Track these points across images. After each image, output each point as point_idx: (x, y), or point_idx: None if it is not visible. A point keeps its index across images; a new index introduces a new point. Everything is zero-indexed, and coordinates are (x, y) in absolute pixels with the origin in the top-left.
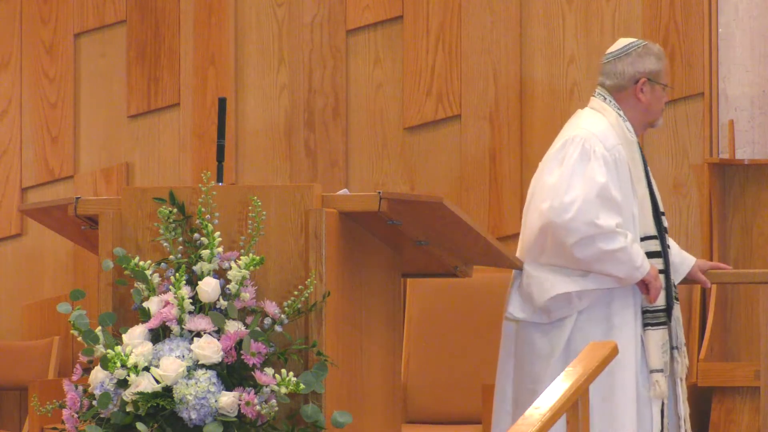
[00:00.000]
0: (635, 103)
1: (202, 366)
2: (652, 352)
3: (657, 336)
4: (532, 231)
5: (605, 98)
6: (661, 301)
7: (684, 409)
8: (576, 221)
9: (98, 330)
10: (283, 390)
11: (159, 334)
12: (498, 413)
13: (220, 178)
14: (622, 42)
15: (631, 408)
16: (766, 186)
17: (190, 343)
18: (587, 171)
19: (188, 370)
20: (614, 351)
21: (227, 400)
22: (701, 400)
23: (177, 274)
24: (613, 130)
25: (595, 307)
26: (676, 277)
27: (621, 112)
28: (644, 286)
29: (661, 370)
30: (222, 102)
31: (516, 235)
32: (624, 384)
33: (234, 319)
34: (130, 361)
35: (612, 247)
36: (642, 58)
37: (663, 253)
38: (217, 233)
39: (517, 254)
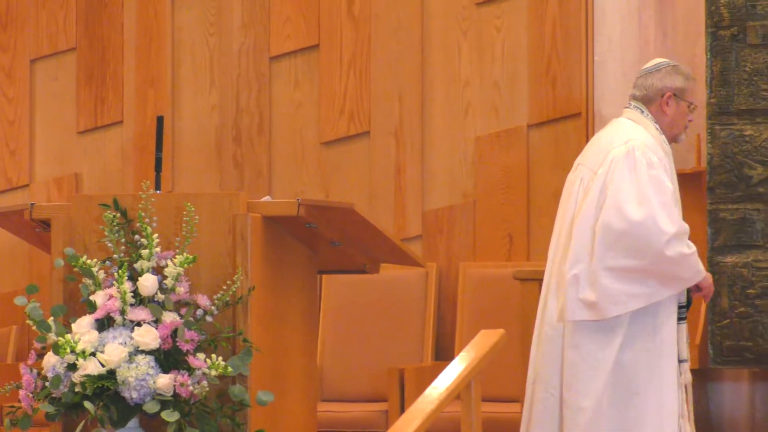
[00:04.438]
0: (662, 117)
1: (142, 352)
2: (682, 343)
3: (683, 329)
4: (607, 232)
5: (642, 111)
6: (683, 298)
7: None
8: (666, 223)
9: (50, 320)
10: (213, 373)
11: (104, 324)
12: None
13: (158, 187)
14: (655, 60)
15: (675, 393)
16: None
17: (132, 332)
18: (658, 177)
19: (130, 356)
20: (503, 338)
21: (164, 381)
22: None
23: (120, 271)
24: (656, 143)
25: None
26: None
27: (657, 126)
28: (697, 288)
29: (687, 360)
30: (160, 119)
31: (417, 237)
32: (671, 372)
33: (170, 311)
34: (79, 348)
35: (688, 250)
36: (671, 75)
37: None
38: (156, 235)
39: (571, 257)
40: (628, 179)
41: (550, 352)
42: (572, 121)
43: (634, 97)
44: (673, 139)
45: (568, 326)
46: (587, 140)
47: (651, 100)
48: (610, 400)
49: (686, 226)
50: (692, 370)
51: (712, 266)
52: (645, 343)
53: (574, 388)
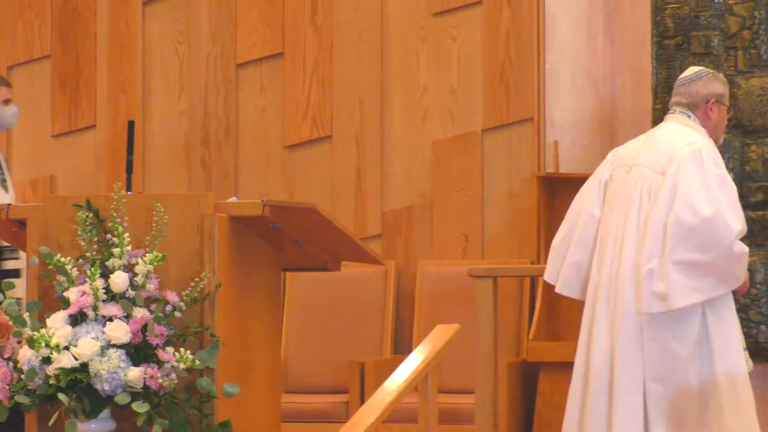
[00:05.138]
0: (707, 121)
1: (114, 345)
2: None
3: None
4: (678, 227)
5: (689, 116)
6: None
7: None
8: (733, 220)
9: (26, 315)
10: (182, 366)
11: (77, 319)
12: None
13: (129, 188)
14: (693, 69)
15: (747, 380)
16: None
17: (104, 327)
18: (724, 176)
19: (102, 349)
20: (458, 332)
21: (134, 374)
22: (531, 373)
23: (92, 269)
24: (712, 144)
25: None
26: None
27: (705, 130)
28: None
29: (746, 348)
30: (131, 124)
31: (377, 236)
32: (742, 359)
33: (140, 306)
34: (53, 342)
35: (745, 249)
36: (712, 82)
37: None
38: (127, 234)
39: (646, 253)
40: (696, 177)
41: (631, 344)
42: (525, 125)
43: (679, 104)
44: (715, 142)
45: (646, 318)
46: (539, 144)
47: (696, 107)
48: (691, 389)
49: (746, 226)
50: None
51: None
52: (718, 334)
53: (657, 378)
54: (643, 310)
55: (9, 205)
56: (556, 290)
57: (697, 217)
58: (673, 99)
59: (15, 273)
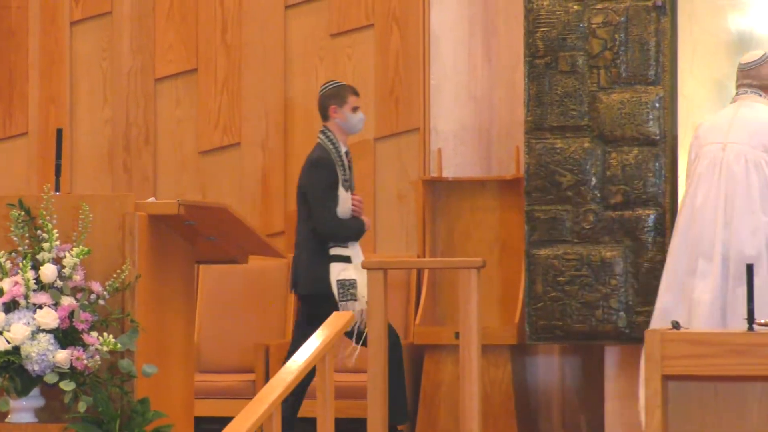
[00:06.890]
0: None
1: (43, 330)
2: None
3: None
4: None
5: (760, 95)
6: None
7: None
8: None
9: None
10: (105, 348)
11: (10, 307)
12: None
13: (57, 189)
14: (756, 53)
15: None
16: (464, 197)
17: (34, 314)
18: None
19: (32, 334)
20: (352, 318)
21: (62, 356)
22: (417, 354)
23: (24, 261)
24: None
25: None
26: None
27: None
28: None
29: None
30: (59, 132)
31: (280, 233)
32: None
33: (68, 295)
34: None
35: None
36: None
37: None
38: (55, 230)
39: None
40: None
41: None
42: (412, 135)
43: (750, 86)
44: None
45: None
46: (425, 151)
47: (766, 88)
48: None
49: None
50: (511, 346)
51: (528, 258)
52: None
53: None
54: None
55: None
56: None
57: None
58: (743, 81)
59: None
